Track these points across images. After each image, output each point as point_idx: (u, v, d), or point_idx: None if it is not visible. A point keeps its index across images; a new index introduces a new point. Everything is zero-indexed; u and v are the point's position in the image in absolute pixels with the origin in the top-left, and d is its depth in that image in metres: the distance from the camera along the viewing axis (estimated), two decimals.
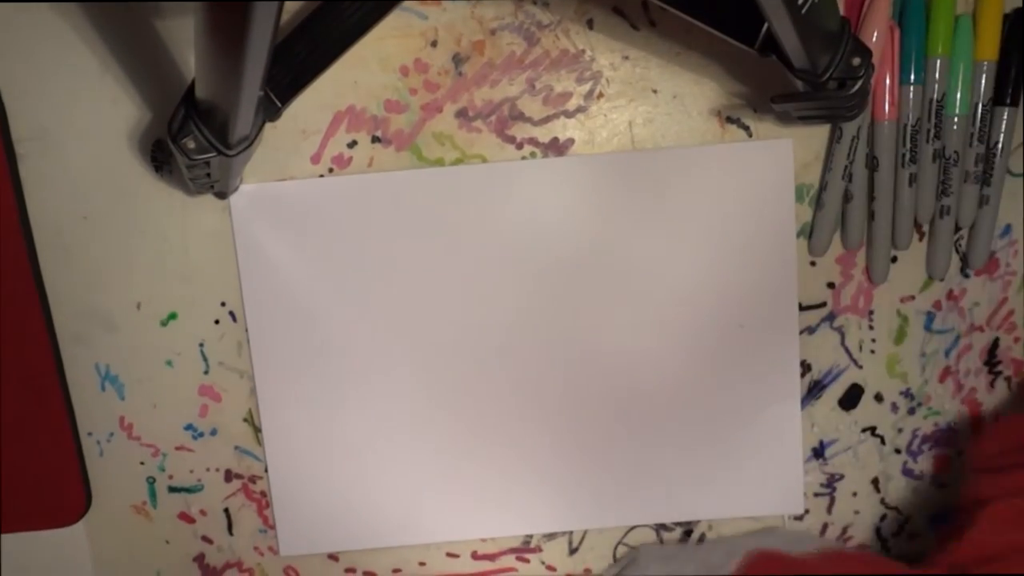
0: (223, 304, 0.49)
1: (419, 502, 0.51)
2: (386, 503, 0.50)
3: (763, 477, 0.50)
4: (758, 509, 0.51)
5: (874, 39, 0.45)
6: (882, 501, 0.52)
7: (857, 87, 0.40)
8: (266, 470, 0.51)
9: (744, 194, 0.48)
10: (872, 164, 0.47)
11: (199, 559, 0.52)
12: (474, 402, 0.50)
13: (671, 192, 0.48)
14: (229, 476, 0.51)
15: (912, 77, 0.46)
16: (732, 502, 0.51)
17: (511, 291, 0.49)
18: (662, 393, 0.50)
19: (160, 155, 0.48)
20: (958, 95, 0.46)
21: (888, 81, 0.45)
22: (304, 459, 0.50)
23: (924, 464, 0.51)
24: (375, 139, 0.48)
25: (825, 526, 0.52)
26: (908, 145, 0.46)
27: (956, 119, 0.46)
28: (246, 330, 0.49)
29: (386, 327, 0.49)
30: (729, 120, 0.48)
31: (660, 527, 0.51)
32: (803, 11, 0.34)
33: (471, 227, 0.48)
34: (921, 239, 0.49)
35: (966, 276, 0.50)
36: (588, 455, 0.50)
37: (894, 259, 0.49)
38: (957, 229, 0.49)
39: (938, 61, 0.46)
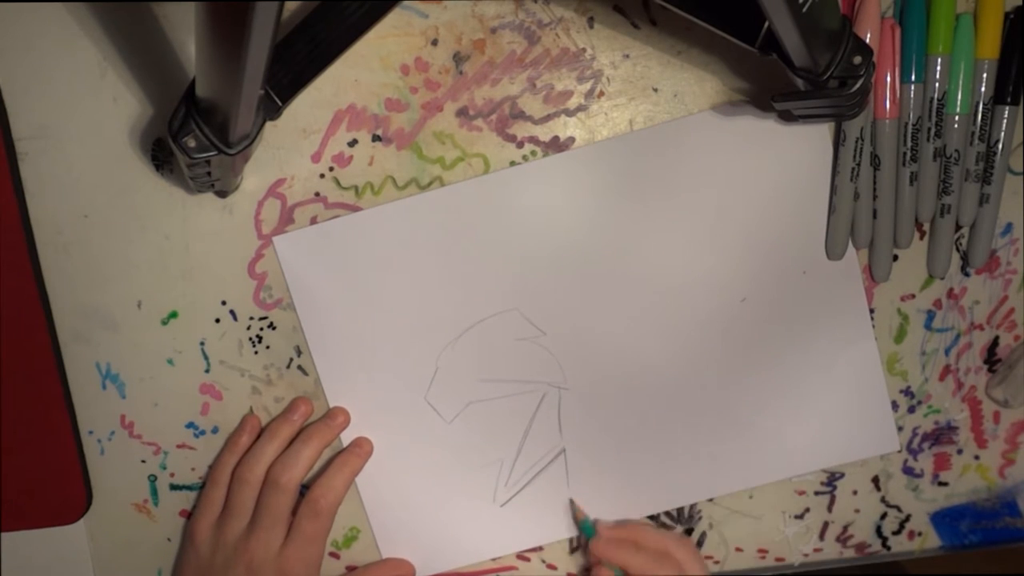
0: (224, 303, 0.49)
1: (495, 513, 0.51)
2: (459, 519, 0.51)
3: (851, 421, 0.50)
4: (853, 454, 0.51)
5: (867, 39, 0.44)
6: (882, 499, 0.52)
7: (858, 86, 0.40)
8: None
9: (779, 145, 0.48)
10: (875, 163, 0.47)
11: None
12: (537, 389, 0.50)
13: (704, 154, 0.48)
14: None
15: (913, 76, 0.46)
16: (824, 453, 0.50)
17: (560, 283, 0.49)
18: (733, 356, 0.49)
19: (161, 154, 0.48)
20: (959, 94, 0.46)
21: (889, 79, 0.45)
22: (394, 498, 0.51)
23: (924, 462, 0.51)
24: (376, 138, 0.48)
25: (826, 524, 0.52)
26: (909, 144, 0.46)
27: (957, 118, 0.46)
28: (314, 365, 0.50)
29: (431, 338, 0.50)
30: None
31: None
32: (804, 10, 0.34)
33: (504, 230, 0.48)
34: (922, 238, 0.49)
35: (966, 275, 0.50)
36: (666, 434, 0.50)
37: (895, 258, 0.49)
38: (958, 228, 0.49)
39: (939, 60, 0.46)
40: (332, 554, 0.52)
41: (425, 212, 0.48)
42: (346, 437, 0.50)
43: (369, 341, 0.49)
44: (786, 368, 0.50)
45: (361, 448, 0.50)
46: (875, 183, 0.47)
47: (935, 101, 0.46)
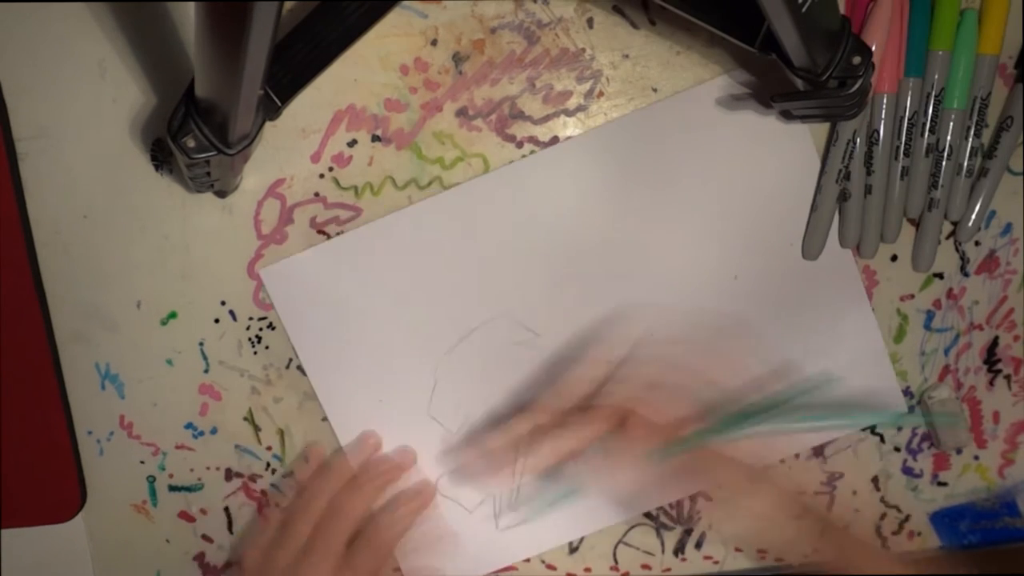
0: (223, 303, 0.49)
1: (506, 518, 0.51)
2: (466, 527, 0.51)
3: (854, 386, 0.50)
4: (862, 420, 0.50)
5: (878, 26, 0.45)
6: (882, 499, 0.52)
7: (857, 86, 0.40)
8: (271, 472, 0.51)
9: (763, 133, 0.48)
10: (868, 160, 0.47)
11: (199, 558, 0.52)
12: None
13: (696, 136, 0.48)
14: (229, 475, 0.51)
15: (913, 71, 0.46)
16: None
17: (561, 280, 0.49)
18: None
19: (160, 154, 0.48)
20: (956, 89, 0.46)
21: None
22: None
23: (923, 462, 0.51)
24: (375, 138, 0.48)
25: None
26: (903, 139, 0.46)
27: (953, 113, 0.46)
28: (313, 388, 0.50)
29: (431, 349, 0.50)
30: None
31: (661, 526, 0.51)
32: (803, 10, 0.35)
33: (490, 234, 0.48)
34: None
35: (966, 275, 0.50)
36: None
37: (894, 257, 0.49)
38: (956, 232, 0.49)
39: (939, 55, 0.46)
40: None
41: (408, 227, 0.48)
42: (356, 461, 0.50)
43: (367, 362, 0.49)
44: (783, 359, 0.50)
45: (426, 491, 0.50)
46: (870, 162, 0.47)
47: (932, 97, 0.46)
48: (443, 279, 0.49)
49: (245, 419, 0.50)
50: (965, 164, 0.47)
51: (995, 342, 0.50)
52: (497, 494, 0.50)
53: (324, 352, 0.49)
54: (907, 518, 0.52)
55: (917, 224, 0.49)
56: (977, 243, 0.49)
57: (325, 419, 0.50)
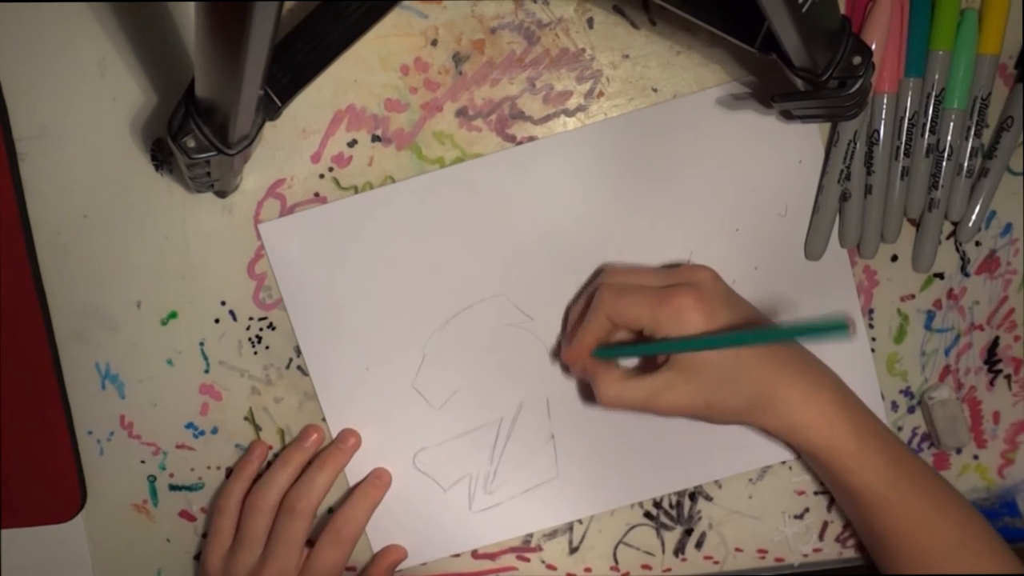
0: (223, 303, 0.49)
1: (484, 501, 0.51)
2: (447, 506, 0.51)
3: None
4: None
5: (878, 25, 0.45)
6: None
7: (857, 86, 0.40)
8: None
9: (765, 133, 0.48)
10: (868, 161, 0.47)
11: (200, 557, 0.52)
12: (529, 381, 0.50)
13: (699, 137, 0.48)
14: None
15: (913, 71, 0.46)
16: None
17: (551, 269, 0.49)
18: None
19: (160, 154, 0.48)
20: (957, 89, 0.46)
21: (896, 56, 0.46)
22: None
23: None
24: (375, 138, 0.48)
25: (825, 524, 0.52)
26: (903, 139, 0.46)
27: (953, 113, 0.46)
28: (300, 354, 0.49)
29: (422, 325, 0.49)
30: None
31: (661, 526, 0.51)
32: (803, 10, 0.34)
33: (490, 215, 0.48)
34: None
35: (966, 275, 0.50)
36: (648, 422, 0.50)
37: (894, 258, 0.49)
38: (957, 232, 0.49)
39: (940, 55, 0.46)
40: None
41: (411, 198, 0.48)
42: (336, 427, 0.50)
43: (356, 328, 0.49)
44: None
45: (380, 479, 0.50)
46: (871, 162, 0.47)
47: (932, 97, 0.46)
48: (441, 254, 0.49)
49: (246, 419, 0.50)
50: (965, 164, 0.47)
51: (995, 342, 0.50)
52: (474, 474, 0.50)
53: (315, 312, 0.49)
54: None
55: (917, 224, 0.49)
56: (977, 243, 0.49)
57: (325, 419, 0.50)
